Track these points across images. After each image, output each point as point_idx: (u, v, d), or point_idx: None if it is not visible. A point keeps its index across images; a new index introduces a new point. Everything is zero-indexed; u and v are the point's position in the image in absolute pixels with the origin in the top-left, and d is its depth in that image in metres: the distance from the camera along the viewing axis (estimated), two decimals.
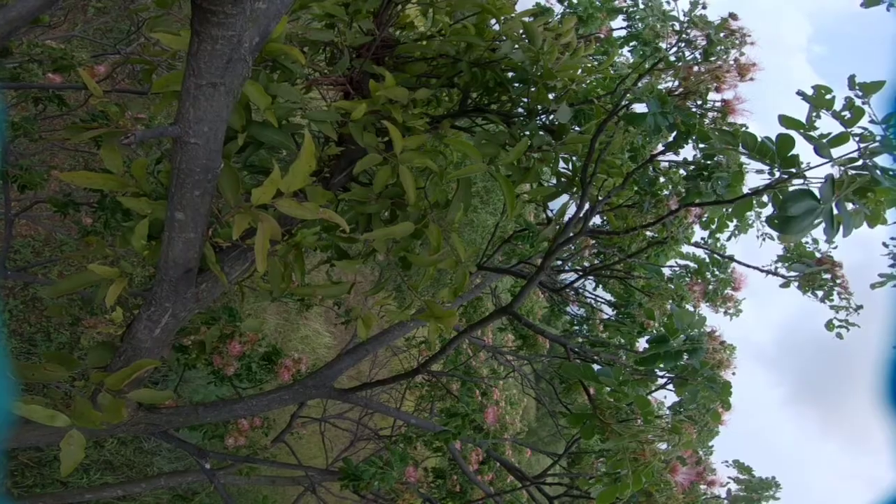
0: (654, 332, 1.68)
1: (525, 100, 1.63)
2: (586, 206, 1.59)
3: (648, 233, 2.13)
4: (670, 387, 1.62)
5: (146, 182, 1.43)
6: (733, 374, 2.21)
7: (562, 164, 1.68)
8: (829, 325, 1.97)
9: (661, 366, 1.48)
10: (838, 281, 1.95)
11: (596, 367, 1.50)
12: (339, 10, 1.70)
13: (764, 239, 2.06)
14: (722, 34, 1.50)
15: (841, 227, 1.07)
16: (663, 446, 1.37)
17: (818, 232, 1.21)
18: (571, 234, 1.58)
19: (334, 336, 6.34)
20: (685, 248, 2.46)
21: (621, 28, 2.59)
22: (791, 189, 1.14)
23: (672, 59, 1.57)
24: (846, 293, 1.94)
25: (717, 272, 2.52)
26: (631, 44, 2.01)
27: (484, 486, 3.08)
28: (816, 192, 1.07)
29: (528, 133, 1.55)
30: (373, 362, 5.46)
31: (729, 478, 2.80)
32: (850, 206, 1.08)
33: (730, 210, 1.73)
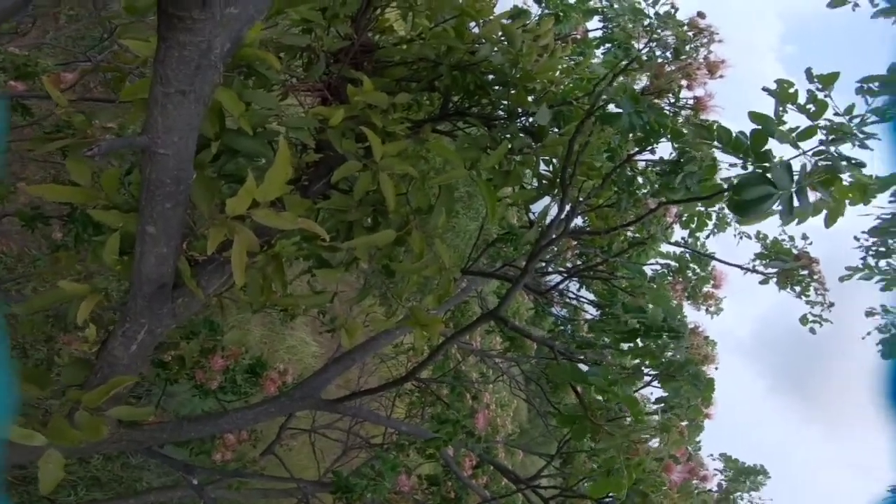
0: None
1: (505, 102, 1.63)
2: (567, 207, 1.59)
3: (629, 233, 2.15)
4: (655, 384, 1.64)
5: (117, 194, 1.38)
6: (716, 368, 2.25)
7: (542, 166, 1.68)
8: (804, 320, 2.02)
9: (642, 344, 1.48)
10: (815, 276, 2.00)
11: (583, 367, 1.50)
12: (316, 14, 1.68)
13: (741, 237, 2.11)
14: (690, 32, 1.53)
15: (795, 214, 1.09)
16: (654, 444, 1.38)
17: (794, 229, 1.23)
18: (554, 236, 1.59)
19: (321, 345, 6.24)
20: (665, 248, 2.51)
21: (598, 28, 2.63)
22: (746, 173, 1.16)
23: (644, 58, 1.60)
24: (822, 289, 1.99)
25: (697, 270, 2.56)
26: (605, 45, 2.03)
27: (480, 491, 3.06)
28: (772, 178, 1.09)
29: (508, 136, 1.55)
30: (361, 370, 5.39)
31: (716, 470, 2.85)
32: (813, 195, 1.10)
33: (703, 206, 1.76)
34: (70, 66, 2.53)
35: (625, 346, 1.52)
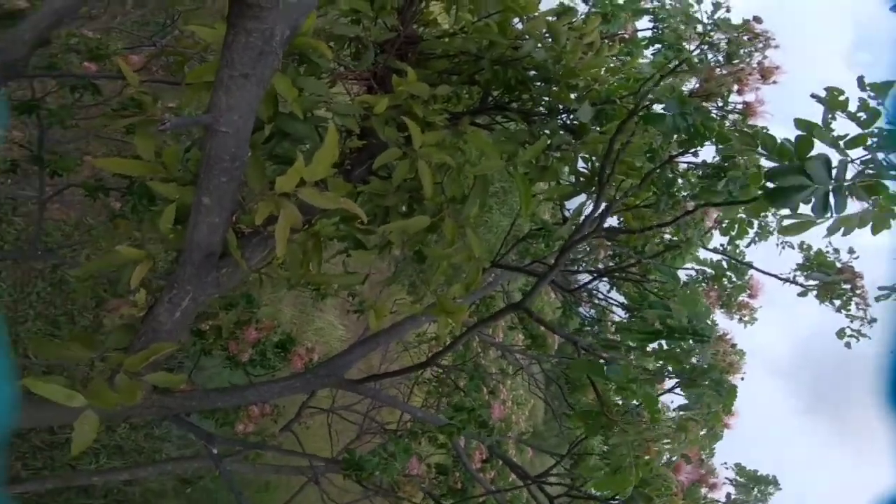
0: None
1: (546, 98, 1.64)
2: (602, 205, 1.60)
3: (666, 236, 2.12)
4: (677, 391, 1.62)
5: (176, 169, 1.48)
6: (742, 378, 2.19)
7: (581, 163, 1.69)
8: (841, 334, 1.94)
9: (666, 346, 1.47)
10: (858, 291, 1.92)
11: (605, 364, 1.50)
12: (365, 5, 1.74)
13: (783, 247, 2.03)
14: (745, 37, 1.50)
15: (833, 210, 1.06)
16: (667, 445, 1.37)
17: (839, 241, 1.19)
18: (586, 232, 1.59)
19: (348, 329, 6.41)
20: (703, 254, 2.44)
21: (647, 29, 2.57)
22: (783, 165, 1.13)
23: (695, 61, 1.57)
24: (864, 304, 1.91)
25: (733, 278, 2.49)
26: (655, 46, 2.00)
27: (485, 483, 3.10)
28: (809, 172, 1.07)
29: (547, 132, 1.57)
30: (383, 357, 5.52)
31: (727, 479, 2.77)
32: (858, 205, 1.07)
33: (744, 212, 1.71)
34: (136, 50, 2.70)
35: (648, 347, 1.52)
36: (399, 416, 4.37)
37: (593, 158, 1.66)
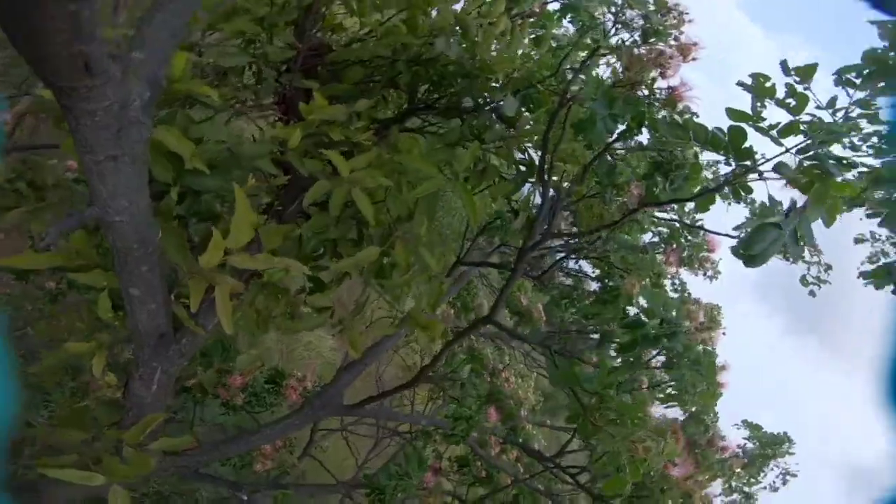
0: (632, 312, 1.69)
1: (472, 92, 1.55)
2: (548, 201, 1.55)
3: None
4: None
5: (92, 253, 1.36)
6: (723, 333, 2.24)
7: (518, 154, 1.62)
8: (804, 281, 2.00)
9: (643, 351, 1.48)
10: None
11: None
12: (253, 26, 1.59)
13: (730, 203, 2.04)
14: (659, 14, 1.43)
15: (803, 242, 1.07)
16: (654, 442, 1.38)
17: (785, 195, 1.19)
18: (538, 238, 1.55)
19: (337, 338, 6.34)
20: (658, 214, 2.45)
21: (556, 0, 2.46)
22: (753, 228, 1.12)
23: (612, 41, 1.49)
24: (816, 251, 1.95)
25: (689, 237, 2.51)
26: (568, 15, 1.90)
27: (508, 468, 3.15)
28: (778, 223, 1.06)
29: (479, 127, 1.49)
30: (378, 362, 5.50)
31: (744, 439, 2.89)
32: (800, 201, 1.06)
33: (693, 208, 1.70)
34: (12, 100, 2.41)
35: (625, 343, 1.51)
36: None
37: (529, 147, 1.59)
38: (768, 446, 2.96)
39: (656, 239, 2.61)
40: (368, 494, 2.83)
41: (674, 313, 1.41)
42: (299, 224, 1.66)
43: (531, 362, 5.21)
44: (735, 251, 1.10)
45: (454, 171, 1.50)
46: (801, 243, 1.05)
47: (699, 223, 2.50)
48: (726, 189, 1.26)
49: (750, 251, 1.05)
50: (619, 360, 1.52)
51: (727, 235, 2.07)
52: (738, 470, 3.00)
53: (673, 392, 1.75)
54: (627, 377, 1.51)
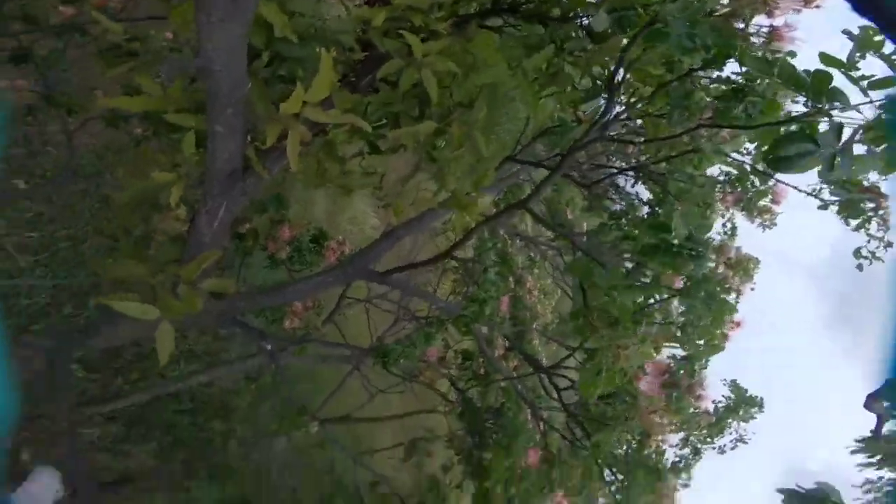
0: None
1: (562, 2, 1.57)
2: (612, 110, 1.63)
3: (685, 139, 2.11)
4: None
5: (184, 99, 1.64)
6: (752, 289, 2.33)
7: (598, 68, 1.67)
8: (857, 254, 2.00)
9: (661, 261, 1.64)
10: (880, 212, 1.91)
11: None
12: None
13: None
14: None
15: (839, 169, 1.12)
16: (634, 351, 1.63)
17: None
18: (593, 137, 1.67)
19: (380, 217, 6.80)
20: (734, 156, 2.40)
21: None
22: (789, 130, 1.16)
23: None
24: (884, 225, 1.92)
25: (756, 182, 2.47)
26: None
27: (503, 370, 3.60)
28: (818, 136, 1.10)
29: (562, 36, 1.55)
30: (413, 246, 5.94)
31: (722, 396, 3.10)
32: (863, 149, 1.10)
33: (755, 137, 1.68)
34: None
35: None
36: (429, 304, 4.90)
37: (609, 65, 1.63)
38: (739, 405, 3.15)
39: (722, 177, 2.60)
40: (375, 356, 3.35)
41: (705, 236, 1.51)
42: (368, 96, 1.86)
43: (559, 279, 5.51)
44: (763, 155, 1.17)
45: (523, 68, 1.60)
46: (836, 172, 1.10)
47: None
48: (793, 127, 1.29)
49: (777, 152, 1.12)
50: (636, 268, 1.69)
51: (797, 188, 2.08)
52: (703, 426, 3.22)
53: (677, 323, 1.96)
54: (640, 298, 1.70)
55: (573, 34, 1.57)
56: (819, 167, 1.15)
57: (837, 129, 1.11)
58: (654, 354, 1.74)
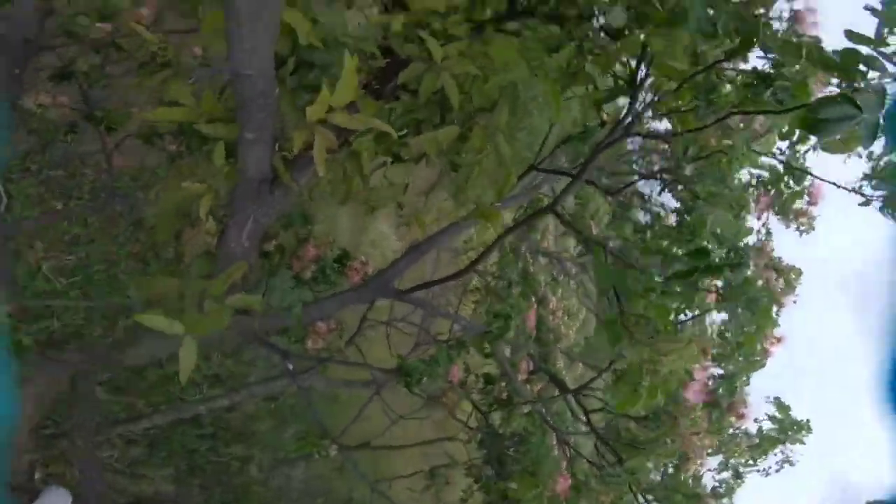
0: (701, 243, 1.77)
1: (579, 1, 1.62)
2: (637, 108, 1.65)
3: (713, 141, 2.10)
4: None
5: (216, 109, 1.73)
6: (794, 301, 2.24)
7: (619, 67, 1.69)
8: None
9: (703, 281, 1.61)
10: None
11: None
12: None
13: (850, 155, 1.93)
14: None
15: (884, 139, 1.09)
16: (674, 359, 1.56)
17: None
18: (613, 138, 1.68)
19: (401, 239, 6.89)
20: (763, 159, 2.36)
21: None
22: (830, 95, 1.14)
23: None
24: None
25: (791, 183, 2.42)
26: None
27: (527, 393, 3.51)
28: (859, 101, 1.07)
29: (581, 36, 1.58)
30: (435, 264, 5.97)
31: (766, 414, 2.96)
32: None
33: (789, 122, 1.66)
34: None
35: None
36: (450, 326, 4.89)
37: (631, 62, 1.66)
38: (785, 430, 3.00)
39: (754, 182, 2.55)
40: (398, 376, 3.32)
41: (743, 243, 1.47)
42: (391, 103, 1.92)
43: (583, 298, 5.43)
44: (801, 119, 1.12)
45: (544, 68, 1.64)
46: (876, 138, 1.06)
47: (807, 168, 2.38)
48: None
49: (817, 114, 1.08)
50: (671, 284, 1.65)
51: (835, 184, 2.02)
52: (744, 448, 3.06)
53: (718, 333, 1.88)
54: (679, 304, 1.65)
55: (589, 33, 1.61)
56: (859, 140, 1.12)
57: (881, 93, 1.08)
58: (701, 358, 1.66)
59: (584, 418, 3.04)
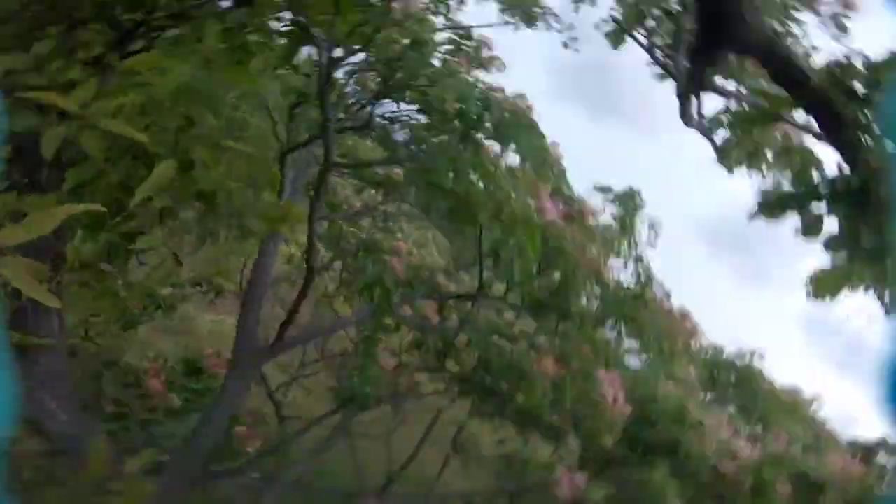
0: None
1: None
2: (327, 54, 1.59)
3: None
4: None
5: None
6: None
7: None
8: None
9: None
10: None
11: None
12: None
13: None
14: None
15: None
16: None
17: None
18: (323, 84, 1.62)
19: (220, 308, 6.13)
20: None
21: None
22: None
23: None
24: None
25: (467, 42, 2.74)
26: None
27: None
28: None
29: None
30: (271, 310, 5.55)
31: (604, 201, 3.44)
32: None
33: None
34: None
35: None
36: (344, 330, 4.64)
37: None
38: (625, 201, 3.50)
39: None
40: (340, 405, 3.19)
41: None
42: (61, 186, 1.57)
43: (420, 221, 5.43)
44: None
45: (205, 57, 1.48)
46: None
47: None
48: None
49: None
50: None
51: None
52: (618, 237, 3.55)
53: None
54: None
55: (221, 10, 1.49)
56: None
57: None
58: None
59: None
